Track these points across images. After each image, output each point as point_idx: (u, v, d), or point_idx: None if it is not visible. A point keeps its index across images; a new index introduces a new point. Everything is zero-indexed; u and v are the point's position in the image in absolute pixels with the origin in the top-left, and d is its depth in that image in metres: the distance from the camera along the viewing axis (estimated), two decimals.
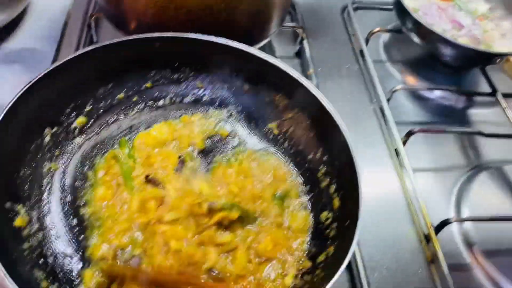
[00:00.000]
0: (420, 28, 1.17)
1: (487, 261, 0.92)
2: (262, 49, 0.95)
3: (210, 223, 0.75)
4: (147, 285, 0.69)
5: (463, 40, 1.18)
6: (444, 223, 0.91)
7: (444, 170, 1.09)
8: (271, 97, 0.93)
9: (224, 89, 0.96)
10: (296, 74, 0.87)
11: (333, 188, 0.82)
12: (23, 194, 0.74)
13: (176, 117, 0.93)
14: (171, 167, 0.84)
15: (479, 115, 1.22)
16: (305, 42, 1.23)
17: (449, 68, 1.29)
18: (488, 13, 1.30)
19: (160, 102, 0.94)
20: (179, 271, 0.71)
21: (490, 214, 0.96)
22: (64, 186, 0.80)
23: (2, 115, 0.71)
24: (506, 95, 1.18)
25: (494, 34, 1.22)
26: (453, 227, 0.98)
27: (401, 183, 1.03)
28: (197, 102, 0.96)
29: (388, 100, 1.16)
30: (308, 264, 0.76)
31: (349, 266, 0.87)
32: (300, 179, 0.88)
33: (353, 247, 0.67)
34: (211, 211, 0.76)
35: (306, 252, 0.79)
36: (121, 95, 0.91)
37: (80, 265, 0.73)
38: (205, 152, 0.91)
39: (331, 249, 0.75)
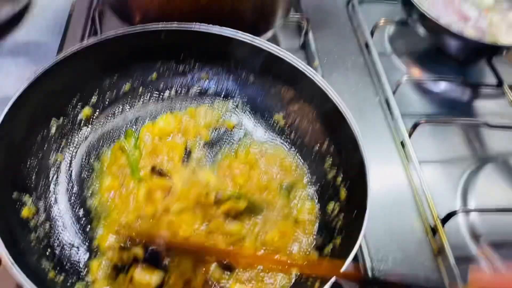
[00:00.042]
0: (426, 21, 1.16)
1: (493, 253, 0.92)
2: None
3: (218, 213, 0.75)
4: (165, 250, 0.69)
5: (469, 32, 1.17)
6: (451, 214, 0.91)
7: (450, 162, 1.09)
8: (277, 88, 0.93)
9: (229, 81, 0.95)
10: (302, 65, 0.86)
11: (339, 179, 0.82)
12: (30, 185, 0.74)
13: (181, 108, 0.93)
14: (178, 158, 0.84)
15: (485, 107, 1.21)
16: (310, 35, 1.22)
17: (455, 61, 1.28)
18: (494, 5, 1.29)
19: (166, 94, 0.94)
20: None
21: (496, 205, 0.96)
22: (71, 177, 0.80)
23: (9, 105, 0.71)
24: None
25: (501, 26, 1.21)
26: (460, 219, 0.97)
27: (407, 175, 1.03)
28: (202, 93, 0.95)
29: (394, 92, 1.16)
30: (315, 255, 0.76)
31: (355, 258, 0.87)
32: (307, 170, 0.88)
33: (361, 238, 0.67)
34: (218, 202, 0.76)
35: (313, 243, 0.79)
36: (126, 87, 0.91)
37: (87, 255, 0.73)
38: (211, 144, 0.91)
39: (338, 240, 0.75)
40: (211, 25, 0.87)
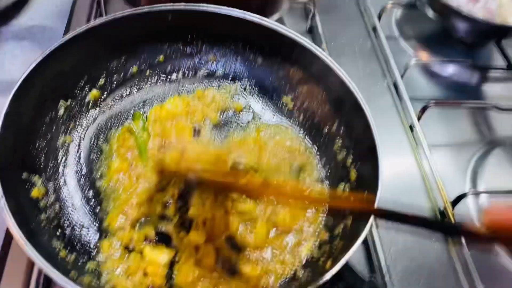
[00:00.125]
0: (434, 2, 1.15)
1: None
2: None
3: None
4: (194, 183, 0.70)
5: (478, 13, 1.15)
6: (461, 196, 0.90)
7: (459, 145, 1.08)
8: (285, 70, 0.92)
9: (237, 63, 0.95)
10: (312, 46, 0.85)
11: (349, 160, 0.81)
12: (39, 166, 0.73)
13: (189, 91, 0.92)
14: (187, 139, 0.83)
15: (494, 90, 1.20)
16: (317, 18, 1.21)
17: (463, 44, 1.26)
18: None
19: (173, 76, 0.93)
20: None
21: (506, 188, 0.95)
22: (80, 159, 0.80)
23: (17, 86, 0.71)
24: None
25: (510, 8, 1.19)
26: (469, 203, 0.97)
27: (416, 158, 1.02)
28: (210, 76, 0.95)
29: (402, 75, 1.15)
30: (326, 235, 0.76)
31: (365, 241, 0.87)
32: (316, 152, 0.87)
33: (372, 219, 0.67)
34: (234, 170, 0.75)
35: (323, 224, 0.78)
36: (134, 69, 0.90)
37: (97, 236, 0.73)
38: (219, 126, 0.90)
39: (349, 221, 0.74)
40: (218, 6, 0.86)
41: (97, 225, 0.74)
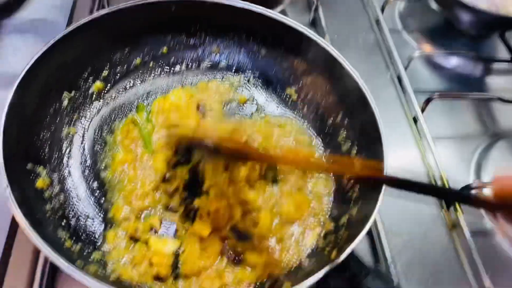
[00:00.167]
0: None
1: (509, 227, 0.91)
2: None
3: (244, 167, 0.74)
4: (210, 150, 0.70)
5: (482, 5, 1.15)
6: (465, 188, 0.90)
7: (463, 137, 1.07)
8: (289, 61, 0.92)
9: (240, 54, 0.94)
10: (316, 36, 0.85)
11: (354, 151, 0.81)
12: (43, 157, 0.73)
13: (193, 83, 0.92)
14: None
15: (498, 82, 1.19)
16: (320, 11, 1.20)
17: (467, 36, 1.26)
18: None
19: (177, 68, 0.93)
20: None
21: None
22: (84, 150, 0.80)
23: (21, 77, 0.70)
24: None
25: None
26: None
27: (420, 150, 1.02)
28: (213, 67, 0.94)
29: (406, 67, 1.14)
30: (331, 225, 0.76)
31: (369, 232, 0.87)
32: (320, 144, 0.87)
33: (378, 207, 0.67)
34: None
35: (329, 214, 0.78)
36: (137, 61, 0.90)
37: (102, 226, 0.73)
38: (223, 118, 0.90)
39: (354, 211, 0.74)
40: None
41: (102, 215, 0.74)
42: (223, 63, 0.95)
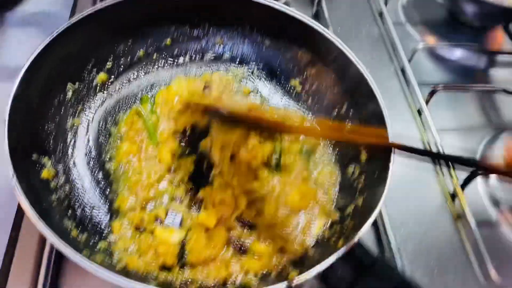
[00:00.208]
0: None
1: None
2: None
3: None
4: (224, 117, 0.71)
5: None
6: (471, 177, 0.90)
7: (468, 129, 1.07)
8: (293, 52, 0.91)
9: (244, 45, 0.94)
10: (320, 27, 0.85)
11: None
12: (48, 148, 0.73)
13: (196, 74, 0.92)
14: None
15: (502, 74, 1.19)
16: (323, 3, 1.20)
17: (470, 28, 1.25)
18: None
19: (180, 60, 0.93)
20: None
21: None
22: (88, 141, 0.80)
23: (25, 68, 0.70)
24: None
25: None
26: (479, 186, 0.96)
27: (424, 142, 1.02)
28: (217, 59, 0.94)
29: (409, 60, 1.14)
30: (336, 215, 0.76)
31: (375, 223, 0.86)
32: None
33: (384, 197, 0.66)
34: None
35: (334, 204, 0.78)
36: (141, 52, 0.90)
37: (108, 217, 0.73)
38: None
39: (360, 201, 0.74)
40: None
41: (107, 206, 0.74)
42: (227, 55, 0.95)
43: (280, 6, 0.85)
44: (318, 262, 0.60)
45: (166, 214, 0.73)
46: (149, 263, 0.66)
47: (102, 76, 0.85)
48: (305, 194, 0.77)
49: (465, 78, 1.17)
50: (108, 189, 0.75)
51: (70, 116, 0.79)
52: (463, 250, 0.87)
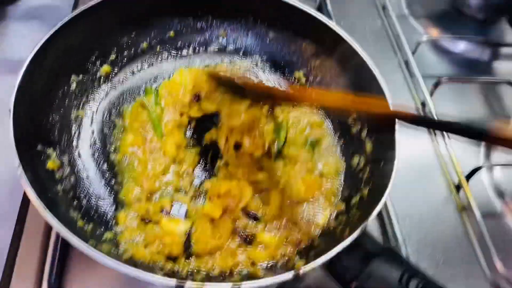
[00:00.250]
0: None
1: None
2: None
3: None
4: (237, 88, 0.73)
5: None
6: (476, 169, 0.90)
7: None
8: (297, 44, 0.91)
9: (248, 38, 0.94)
10: (324, 18, 0.85)
11: (364, 132, 0.81)
12: (53, 139, 0.73)
13: (200, 67, 0.91)
14: None
15: (506, 66, 1.18)
16: None
17: (474, 21, 1.25)
18: None
19: (184, 52, 0.93)
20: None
21: None
22: (93, 133, 0.79)
23: (29, 59, 0.70)
24: None
25: None
26: (483, 177, 0.96)
27: (429, 134, 1.02)
28: (221, 51, 0.94)
29: (413, 52, 1.14)
30: (342, 206, 0.75)
31: (380, 215, 0.86)
32: (330, 126, 0.86)
33: (391, 184, 0.66)
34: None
35: (339, 195, 0.78)
36: (144, 45, 0.89)
37: (114, 207, 0.72)
38: None
39: (365, 191, 0.74)
40: None
41: (112, 197, 0.74)
42: (230, 47, 0.94)
43: None
44: (324, 251, 0.60)
45: (172, 205, 0.73)
46: (155, 253, 0.66)
47: (105, 68, 0.85)
48: (310, 185, 0.77)
49: (469, 70, 1.17)
50: (113, 180, 0.75)
51: (75, 107, 0.79)
52: (468, 242, 0.86)
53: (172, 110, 0.82)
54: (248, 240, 0.71)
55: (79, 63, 0.81)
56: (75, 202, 0.69)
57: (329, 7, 1.19)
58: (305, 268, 0.58)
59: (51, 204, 0.59)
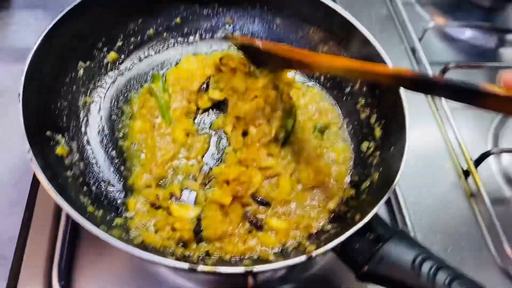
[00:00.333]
0: None
1: None
2: None
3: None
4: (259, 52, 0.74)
5: None
6: (485, 155, 0.89)
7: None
8: (305, 30, 0.90)
9: (254, 25, 0.93)
10: (333, 3, 0.84)
11: (373, 118, 0.80)
12: (61, 125, 0.72)
13: (206, 53, 0.91)
14: None
15: None
16: None
17: (480, 8, 1.24)
18: None
19: (190, 38, 0.92)
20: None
21: None
22: (101, 119, 0.79)
23: (36, 45, 0.69)
24: None
25: None
26: (492, 164, 0.96)
27: (437, 121, 1.01)
28: (228, 38, 0.93)
29: (420, 39, 1.13)
30: (351, 191, 0.75)
31: (389, 202, 0.86)
32: (339, 112, 0.86)
33: (403, 167, 0.66)
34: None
35: (349, 180, 0.78)
36: (151, 31, 0.89)
37: (123, 194, 0.72)
38: None
39: (375, 176, 0.73)
40: None
41: (122, 183, 0.73)
42: (237, 34, 0.93)
43: None
44: (335, 236, 0.60)
45: (181, 191, 0.73)
46: (165, 238, 0.66)
47: (112, 55, 0.84)
48: (319, 171, 0.76)
49: (475, 57, 1.17)
50: (122, 167, 0.75)
51: (82, 94, 0.79)
52: (477, 228, 0.86)
53: (180, 97, 0.81)
54: (258, 226, 0.70)
55: (86, 49, 0.81)
56: (84, 188, 0.68)
57: None
58: (317, 251, 0.58)
59: (61, 190, 0.59)
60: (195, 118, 0.83)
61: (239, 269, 0.56)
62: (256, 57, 0.78)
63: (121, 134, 0.78)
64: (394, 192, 0.86)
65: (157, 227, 0.67)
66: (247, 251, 0.67)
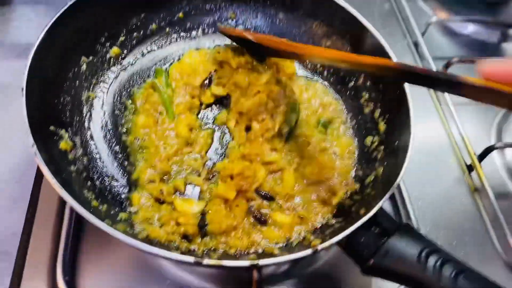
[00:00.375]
0: None
1: None
2: None
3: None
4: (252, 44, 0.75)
5: None
6: (489, 149, 0.89)
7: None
8: (308, 25, 0.90)
9: (257, 19, 0.92)
10: None
11: (377, 112, 0.80)
12: (65, 120, 0.72)
13: (209, 48, 0.90)
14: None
15: None
16: None
17: (483, 3, 1.24)
18: None
19: (193, 33, 0.91)
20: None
21: None
22: (104, 114, 0.79)
23: (39, 40, 0.69)
24: None
25: None
26: (496, 158, 0.96)
27: (440, 115, 1.01)
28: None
29: (423, 33, 1.13)
30: (356, 186, 0.75)
31: (393, 196, 0.86)
32: (343, 106, 0.86)
33: (407, 161, 0.66)
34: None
35: (353, 174, 0.77)
36: (153, 26, 0.88)
37: (127, 188, 0.72)
38: None
39: (380, 170, 0.73)
40: None
41: (126, 178, 0.73)
42: (240, 28, 0.93)
43: None
44: (340, 230, 0.59)
45: (185, 186, 0.73)
46: (170, 233, 0.66)
47: (115, 49, 0.84)
48: (323, 165, 0.76)
49: (478, 52, 1.16)
50: (126, 162, 0.75)
51: (85, 89, 0.78)
52: (481, 222, 0.86)
53: (183, 92, 0.81)
54: (263, 220, 0.70)
55: (88, 45, 0.80)
56: (88, 183, 0.68)
57: None
58: (323, 245, 0.58)
59: (65, 185, 0.59)
60: (198, 113, 0.82)
61: (245, 263, 0.56)
62: (251, 48, 0.78)
63: (124, 129, 0.77)
64: (398, 187, 0.86)
65: (162, 221, 0.67)
66: (251, 245, 0.67)
